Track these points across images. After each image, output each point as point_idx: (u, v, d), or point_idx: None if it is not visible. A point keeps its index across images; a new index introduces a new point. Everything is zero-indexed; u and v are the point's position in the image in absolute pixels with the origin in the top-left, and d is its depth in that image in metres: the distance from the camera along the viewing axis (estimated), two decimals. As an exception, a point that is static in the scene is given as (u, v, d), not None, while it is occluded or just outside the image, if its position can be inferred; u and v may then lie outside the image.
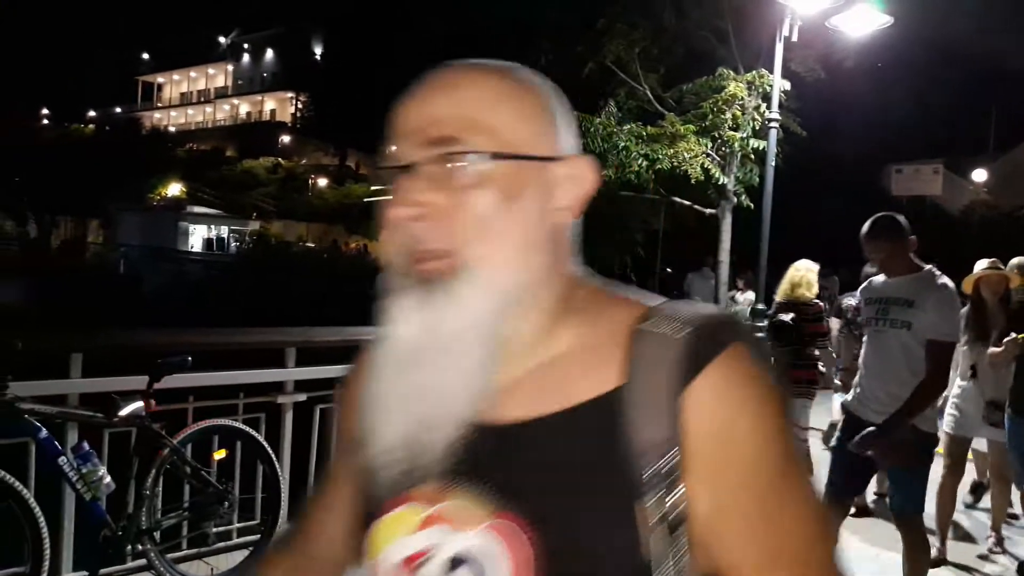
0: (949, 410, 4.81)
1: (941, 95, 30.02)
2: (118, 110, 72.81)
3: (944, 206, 28.50)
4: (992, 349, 4.39)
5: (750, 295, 10.76)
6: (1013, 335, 4.16)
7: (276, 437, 4.02)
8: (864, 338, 3.66)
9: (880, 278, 3.54)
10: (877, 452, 3.26)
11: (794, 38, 7.83)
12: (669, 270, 22.10)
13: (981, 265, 4.78)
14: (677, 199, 12.59)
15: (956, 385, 4.80)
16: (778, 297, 5.59)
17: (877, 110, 27.61)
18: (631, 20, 12.26)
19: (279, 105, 66.45)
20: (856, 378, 3.63)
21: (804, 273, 5.57)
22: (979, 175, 29.65)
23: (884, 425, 3.20)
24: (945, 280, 3.29)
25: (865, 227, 3.42)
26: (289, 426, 4.10)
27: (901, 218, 3.46)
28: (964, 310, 4.56)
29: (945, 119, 29.88)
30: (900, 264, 3.39)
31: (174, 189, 48.07)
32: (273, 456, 3.81)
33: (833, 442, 3.75)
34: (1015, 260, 5.06)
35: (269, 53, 68.48)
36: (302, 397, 4.13)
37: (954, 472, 4.72)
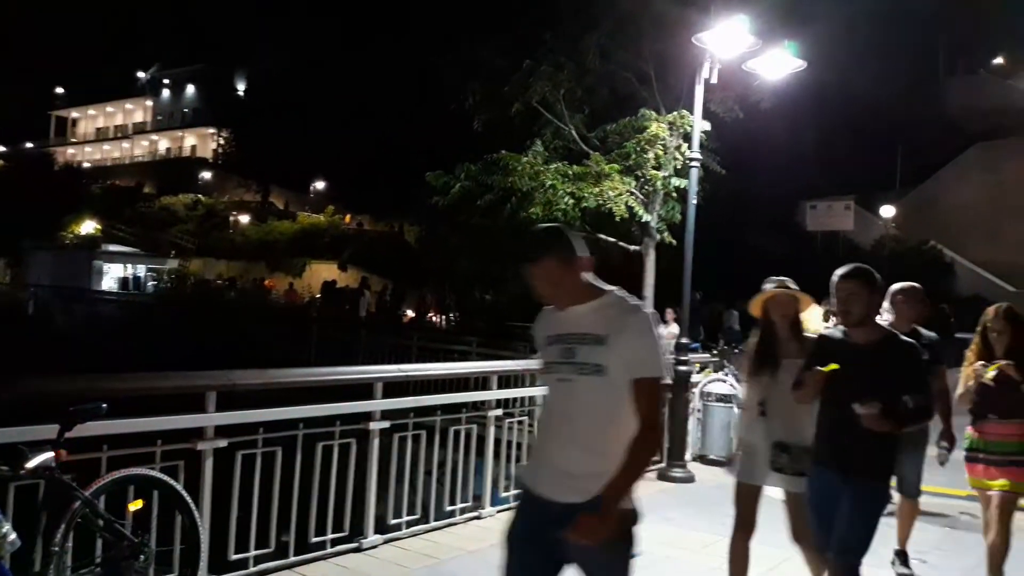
0: (737, 451, 4.33)
1: (852, 135, 31.42)
2: (29, 145, 70.26)
3: (856, 240, 29.73)
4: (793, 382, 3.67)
5: (674, 328, 10.96)
6: (818, 367, 3.45)
7: (195, 486, 3.88)
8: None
9: (550, 310, 2.70)
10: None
11: (713, 80, 8.08)
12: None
13: (769, 284, 4.09)
14: (603, 236, 12.77)
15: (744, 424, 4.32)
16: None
17: (793, 149, 28.70)
18: (556, 62, 12.49)
19: (200, 141, 65.25)
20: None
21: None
22: (888, 210, 31.08)
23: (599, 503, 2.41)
24: (638, 302, 2.61)
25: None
26: (209, 474, 3.98)
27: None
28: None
29: (856, 158, 31.21)
30: (573, 289, 2.60)
31: (88, 227, 46.50)
32: (192, 506, 3.68)
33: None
34: (895, 286, 4.96)
35: (190, 89, 67.37)
36: (223, 443, 4.02)
37: (743, 527, 4.06)
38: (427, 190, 13.51)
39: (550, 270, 2.54)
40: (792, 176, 29.62)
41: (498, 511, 5.77)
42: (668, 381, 3.03)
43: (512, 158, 12.32)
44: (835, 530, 3.38)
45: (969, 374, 4.45)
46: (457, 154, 13.43)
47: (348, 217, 46.14)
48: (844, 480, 3.39)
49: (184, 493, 3.68)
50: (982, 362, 4.38)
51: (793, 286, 4.08)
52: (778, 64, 8.24)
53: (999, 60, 45.74)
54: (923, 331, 4.89)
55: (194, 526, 3.65)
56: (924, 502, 6.90)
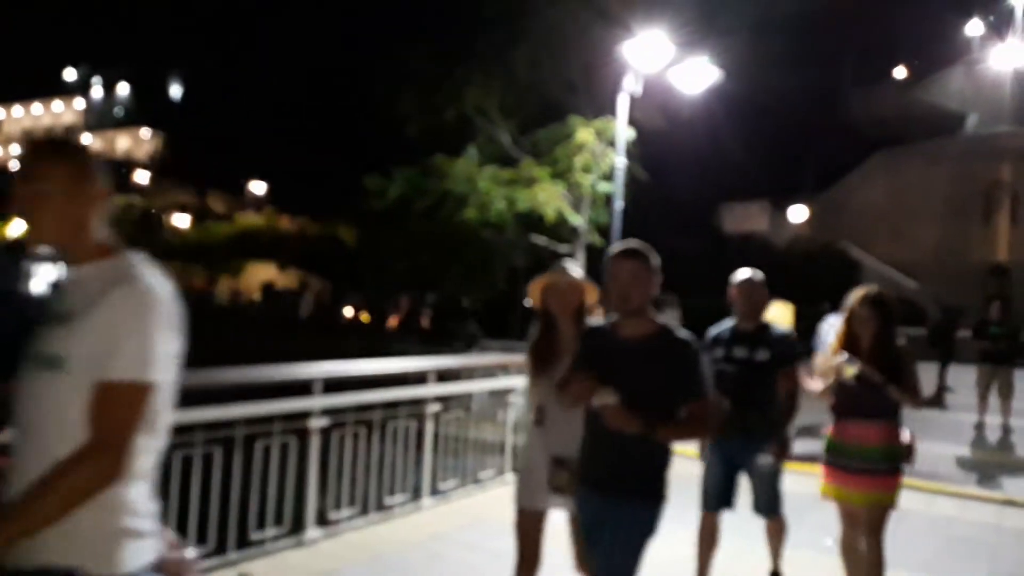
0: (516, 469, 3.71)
1: (766, 141, 32.75)
2: (-54, 145, 66.86)
3: (770, 240, 31.02)
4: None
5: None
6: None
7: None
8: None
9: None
10: None
11: (637, 90, 8.65)
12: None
13: (553, 271, 3.52)
14: (535, 238, 13.27)
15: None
16: None
17: (713, 155, 29.74)
18: (488, 71, 12.95)
19: (133, 142, 63.26)
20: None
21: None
22: (799, 213, 32.60)
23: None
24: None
25: None
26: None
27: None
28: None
29: (770, 163, 32.53)
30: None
31: (16, 228, 44.74)
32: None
33: None
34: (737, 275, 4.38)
35: (123, 89, 65.14)
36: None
37: (526, 566, 3.28)
38: (365, 193, 13.77)
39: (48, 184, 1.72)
40: (711, 180, 30.70)
41: (437, 503, 5.94)
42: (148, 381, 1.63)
43: (447, 163, 12.73)
44: (598, 563, 2.84)
45: (827, 368, 3.96)
46: (394, 158, 13.73)
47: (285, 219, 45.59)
48: (606, 503, 2.80)
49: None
50: (846, 356, 3.91)
51: (576, 272, 3.49)
52: (696, 75, 8.88)
53: (900, 70, 48.29)
54: (774, 326, 4.33)
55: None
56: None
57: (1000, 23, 45.64)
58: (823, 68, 39.63)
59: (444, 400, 6.25)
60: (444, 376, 6.28)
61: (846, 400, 3.93)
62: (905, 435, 3.93)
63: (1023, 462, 9.09)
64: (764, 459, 4.11)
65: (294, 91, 43.61)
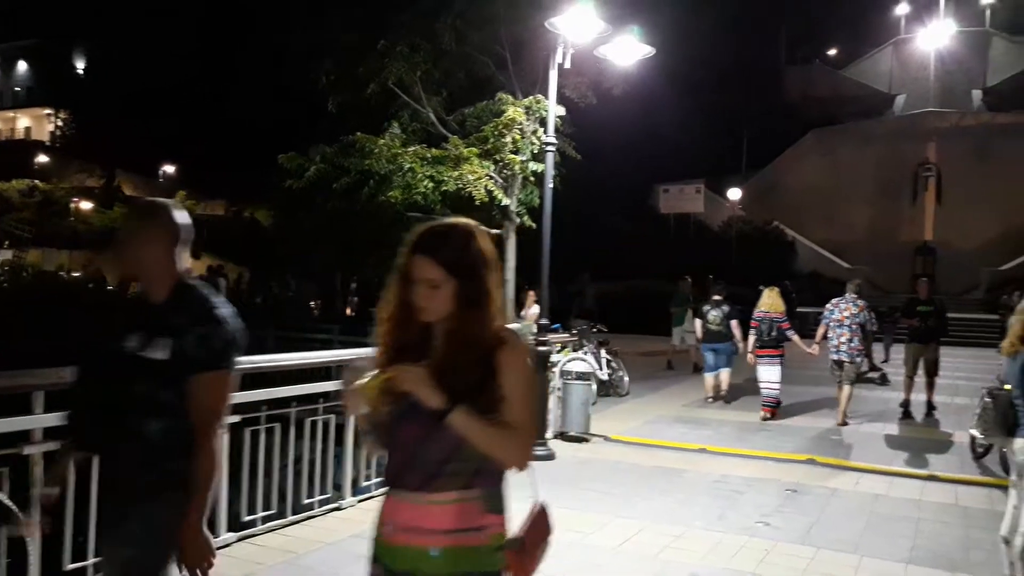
0: None
1: (702, 122, 32.83)
2: None
3: (706, 221, 31.18)
4: None
5: (535, 309, 11.15)
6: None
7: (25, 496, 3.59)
8: None
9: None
10: None
11: (567, 66, 8.19)
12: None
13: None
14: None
15: None
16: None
17: (648, 135, 29.68)
18: (412, 43, 12.33)
19: (35, 122, 60.34)
20: None
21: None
22: (734, 193, 32.80)
23: None
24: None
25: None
26: (40, 482, 3.68)
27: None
28: None
29: (706, 143, 32.64)
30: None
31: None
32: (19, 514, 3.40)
33: None
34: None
35: (22, 66, 62.09)
36: (53, 446, 3.73)
37: None
38: (282, 173, 13.08)
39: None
40: (647, 161, 30.70)
41: (359, 500, 5.69)
42: None
43: (369, 140, 12.11)
44: None
45: None
46: (312, 136, 13.07)
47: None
48: None
49: (10, 503, 3.40)
50: None
51: None
52: (627, 50, 8.47)
53: (833, 51, 49.09)
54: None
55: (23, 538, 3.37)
56: (765, 465, 7.41)
57: (927, 4, 46.66)
58: (758, 48, 40.00)
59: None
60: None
61: None
62: None
63: (946, 437, 9.28)
64: None
65: (207, 66, 41.86)
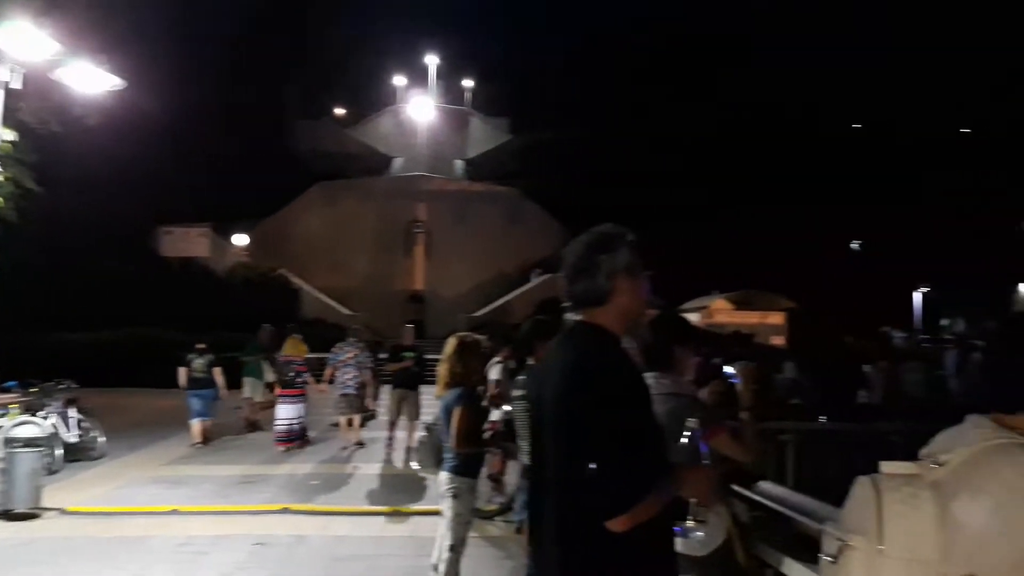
0: None
1: (209, 166, 31.94)
2: None
3: (212, 266, 30.29)
4: None
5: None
6: None
7: None
8: None
9: None
10: None
11: (16, 85, 7.26)
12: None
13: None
14: None
15: None
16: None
17: (147, 175, 27.91)
18: None
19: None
20: None
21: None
22: (241, 239, 32.59)
23: None
24: None
25: None
26: None
27: None
28: None
29: (213, 188, 31.73)
30: None
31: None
32: None
33: None
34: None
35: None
36: None
37: None
38: None
39: None
40: (151, 202, 28.73)
41: None
42: None
43: None
44: None
45: None
46: None
47: None
48: None
49: None
50: None
51: None
52: (89, 78, 7.83)
53: (342, 110, 52.08)
54: None
55: None
56: (237, 520, 7.31)
57: (419, 78, 52.43)
58: (271, 98, 40.50)
59: None
60: None
61: None
62: None
63: (415, 472, 9.93)
64: None
65: None
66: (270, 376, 12.89)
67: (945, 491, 1.67)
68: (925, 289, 39.09)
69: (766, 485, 3.89)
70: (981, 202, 38.99)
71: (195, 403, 11.46)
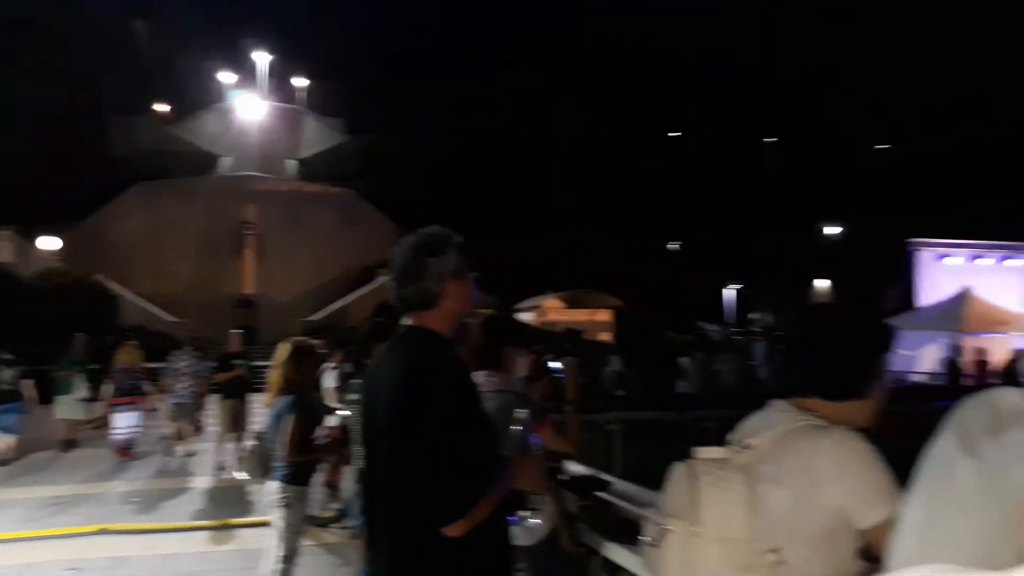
0: None
1: (9, 166, 29.40)
2: None
3: (17, 272, 27.87)
4: None
5: None
6: None
7: None
8: None
9: None
10: None
11: None
12: None
13: None
14: None
15: None
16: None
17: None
18: None
19: None
20: None
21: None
22: (51, 243, 30.26)
23: None
24: None
25: None
26: None
27: None
28: None
29: (16, 189, 29.23)
30: None
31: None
32: None
33: None
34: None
35: None
36: None
37: None
38: None
39: None
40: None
41: None
42: None
43: None
44: None
45: None
46: None
47: None
48: None
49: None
50: None
51: None
52: None
53: (165, 106, 49.14)
54: None
55: None
56: (49, 545, 6.80)
57: (252, 75, 50.43)
58: (81, 93, 37.62)
59: None
60: None
61: None
62: None
63: (245, 483, 9.51)
64: None
65: None
66: (83, 392, 11.86)
67: (751, 473, 1.81)
68: (736, 286, 42.02)
69: (577, 467, 4.16)
70: (781, 207, 42.70)
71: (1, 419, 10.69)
